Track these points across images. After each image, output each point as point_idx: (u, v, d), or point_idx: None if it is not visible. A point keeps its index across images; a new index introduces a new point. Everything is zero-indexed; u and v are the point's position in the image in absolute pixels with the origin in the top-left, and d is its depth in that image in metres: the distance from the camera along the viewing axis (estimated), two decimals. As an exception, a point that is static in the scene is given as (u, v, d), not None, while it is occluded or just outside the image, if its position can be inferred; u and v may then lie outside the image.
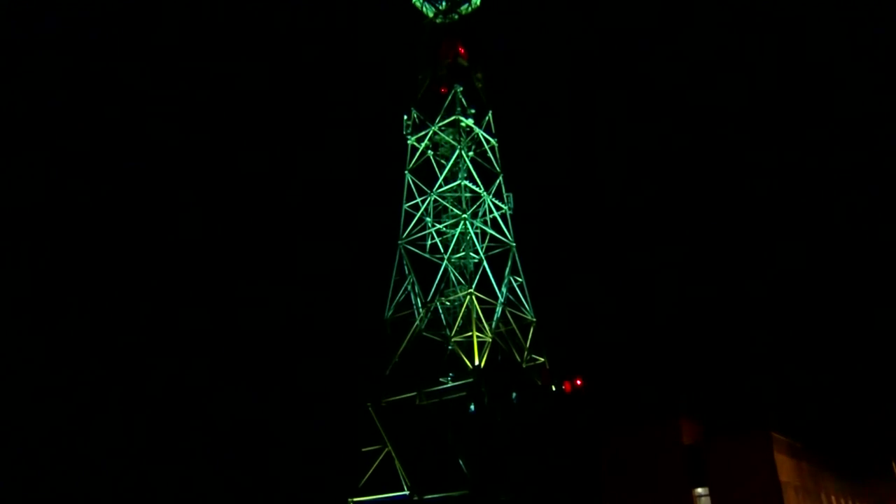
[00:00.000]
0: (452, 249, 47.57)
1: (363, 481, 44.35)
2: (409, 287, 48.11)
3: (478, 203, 49.74)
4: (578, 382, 41.80)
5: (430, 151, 51.45)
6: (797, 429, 36.17)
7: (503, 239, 49.96)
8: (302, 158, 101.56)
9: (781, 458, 32.21)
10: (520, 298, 48.84)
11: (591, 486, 35.46)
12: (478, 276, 46.88)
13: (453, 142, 50.26)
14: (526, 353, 47.22)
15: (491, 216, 50.17)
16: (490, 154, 52.05)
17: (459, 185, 49.22)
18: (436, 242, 49.18)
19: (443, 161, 50.68)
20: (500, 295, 47.59)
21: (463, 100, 51.55)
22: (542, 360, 47.57)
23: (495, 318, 46.83)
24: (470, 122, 51.23)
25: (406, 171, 51.35)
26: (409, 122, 52.31)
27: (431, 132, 50.89)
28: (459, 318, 44.86)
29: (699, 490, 32.63)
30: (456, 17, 54.87)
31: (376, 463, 44.19)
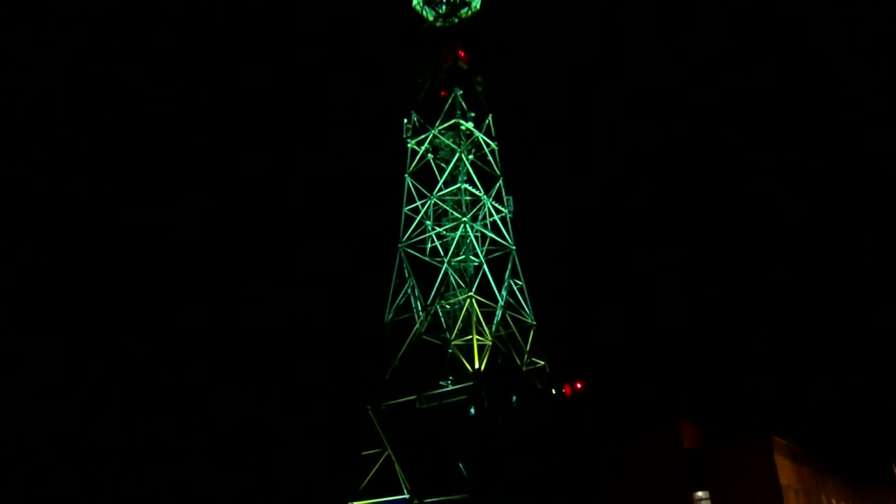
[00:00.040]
0: (452, 253, 47.56)
1: (363, 485, 44.31)
2: (409, 290, 48.10)
3: (478, 206, 49.74)
4: (579, 386, 41.73)
5: (430, 155, 51.48)
6: (797, 432, 36.11)
7: (503, 242, 49.96)
8: (302, 159, 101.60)
9: (782, 461, 32.18)
10: (520, 302, 48.83)
11: (592, 490, 35.41)
12: (478, 280, 46.86)
13: (453, 145, 50.29)
14: (526, 356, 47.18)
15: (491, 219, 50.18)
16: (490, 157, 52.07)
17: (459, 188, 49.23)
18: (436, 246, 49.18)
19: (443, 164, 50.72)
20: (500, 298, 47.58)
21: (463, 103, 51.60)
22: (543, 363, 47.54)
23: (495, 322, 46.81)
24: (470, 125, 51.27)
25: (406, 175, 51.36)
26: (410, 126, 52.36)
27: (431, 135, 50.93)
28: (459, 322, 44.83)
29: (699, 494, 32.60)
30: (456, 20, 54.94)
31: (376, 466, 44.16)
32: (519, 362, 46.85)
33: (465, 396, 42.01)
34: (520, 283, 49.23)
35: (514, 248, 49.87)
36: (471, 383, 42.00)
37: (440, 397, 43.12)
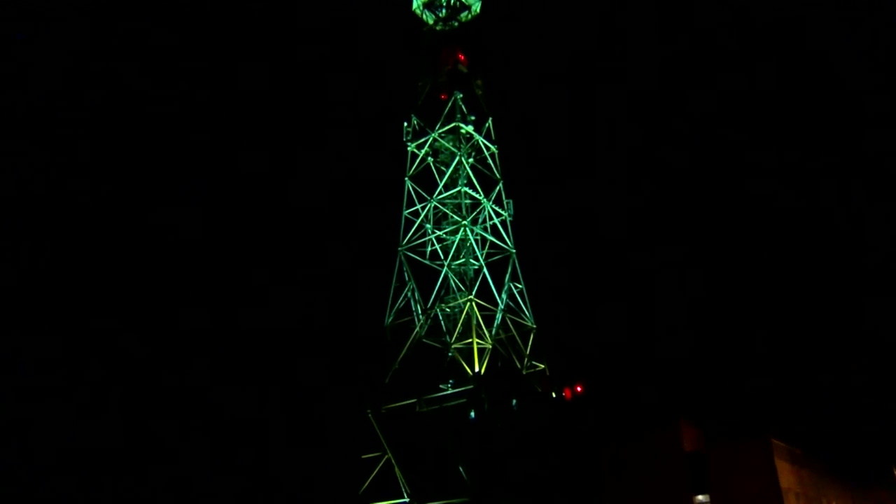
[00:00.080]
0: (452, 256, 47.59)
1: (363, 488, 44.26)
2: (409, 294, 48.14)
3: (478, 210, 49.78)
4: (579, 389, 41.69)
5: (430, 158, 51.56)
6: (797, 434, 36.07)
7: (503, 245, 49.99)
8: (302, 160, 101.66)
9: (782, 464, 32.14)
10: (520, 305, 48.85)
11: (591, 494, 35.37)
12: (478, 283, 46.90)
13: (453, 148, 50.37)
14: (526, 359, 47.18)
15: (491, 223, 50.23)
16: (490, 161, 52.14)
17: (459, 191, 49.29)
18: (436, 249, 49.23)
19: (443, 168, 50.78)
20: (500, 301, 47.60)
21: (463, 106, 51.69)
22: (543, 366, 47.54)
23: (495, 325, 46.83)
24: (470, 128, 51.35)
25: (406, 178, 51.42)
26: (409, 129, 52.41)
27: (431, 139, 51.00)
28: (459, 325, 44.85)
29: (700, 497, 32.55)
30: (456, 24, 55.07)
31: (376, 470, 44.12)
32: (519, 366, 46.85)
33: (465, 400, 42.00)
34: (520, 286, 49.26)
35: (514, 251, 49.91)
36: (471, 387, 41.98)
37: (440, 401, 43.12)
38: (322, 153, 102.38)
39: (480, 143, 51.91)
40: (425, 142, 51.33)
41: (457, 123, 50.43)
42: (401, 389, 45.03)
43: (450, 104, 51.26)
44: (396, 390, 45.22)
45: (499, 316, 47.24)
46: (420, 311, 47.21)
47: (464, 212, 48.77)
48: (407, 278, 48.56)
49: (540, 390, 44.91)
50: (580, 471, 36.94)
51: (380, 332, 47.99)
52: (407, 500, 41.85)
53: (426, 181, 51.35)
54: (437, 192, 49.61)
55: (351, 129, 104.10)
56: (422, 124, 52.26)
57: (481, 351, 43.60)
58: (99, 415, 65.60)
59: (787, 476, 32.15)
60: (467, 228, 48.09)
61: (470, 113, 52.04)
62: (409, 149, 52.11)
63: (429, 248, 49.49)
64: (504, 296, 48.07)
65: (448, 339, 44.79)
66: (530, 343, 47.86)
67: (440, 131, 50.81)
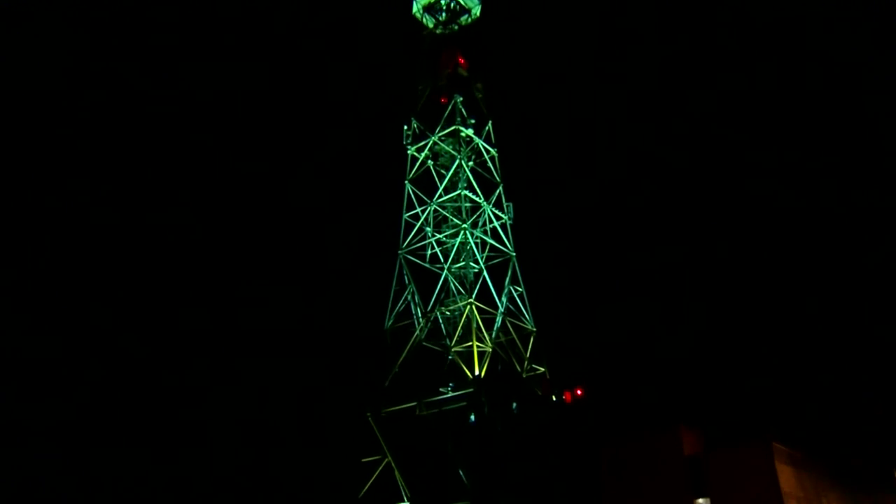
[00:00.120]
0: (452, 259, 47.61)
1: (363, 492, 44.22)
2: (409, 297, 48.17)
3: (478, 213, 49.81)
4: (579, 392, 41.68)
5: (430, 161, 51.60)
6: (798, 437, 36.03)
7: (503, 249, 50.01)
8: (301, 162, 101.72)
9: (783, 468, 32.09)
10: (520, 308, 48.87)
11: (591, 497, 35.33)
12: (478, 286, 46.92)
13: (453, 152, 50.41)
14: (526, 362, 47.18)
15: (491, 226, 50.24)
16: (490, 164, 52.19)
17: (459, 194, 49.34)
18: (436, 252, 49.23)
19: (443, 171, 50.82)
20: (500, 305, 47.62)
21: (463, 110, 51.76)
22: (543, 369, 47.53)
23: (495, 328, 46.84)
24: (470, 132, 51.39)
25: (406, 181, 51.46)
26: (409, 132, 52.46)
27: (431, 142, 51.04)
28: (459, 328, 44.86)
29: (700, 501, 32.49)
30: (456, 27, 55.13)
31: (376, 474, 44.10)
32: (519, 369, 46.85)
33: (465, 403, 41.98)
34: (520, 289, 49.28)
35: (514, 254, 49.93)
36: (471, 390, 41.98)
37: (440, 404, 43.10)
38: (322, 156, 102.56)
39: (480, 146, 51.96)
40: (425, 145, 51.38)
41: (457, 127, 50.48)
42: (401, 392, 45.03)
43: (450, 107, 51.31)
44: (396, 393, 45.21)
45: (499, 319, 47.25)
46: (420, 315, 47.21)
47: (464, 215, 48.81)
48: (407, 281, 48.58)
49: (540, 393, 44.90)
50: (580, 474, 36.90)
51: (380, 335, 48.01)
52: (407, 503, 41.80)
53: (426, 184, 51.46)
54: (437, 196, 49.65)
55: (351, 131, 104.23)
56: (422, 128, 52.31)
57: (481, 354, 43.60)
58: (98, 415, 65.58)
59: (787, 480, 32.11)
60: (467, 232, 48.11)
61: (470, 116, 52.11)
62: (409, 152, 52.16)
63: (429, 252, 49.52)
64: (504, 299, 48.10)
65: (448, 343, 44.80)
66: (530, 346, 47.86)
67: (440, 135, 50.86)
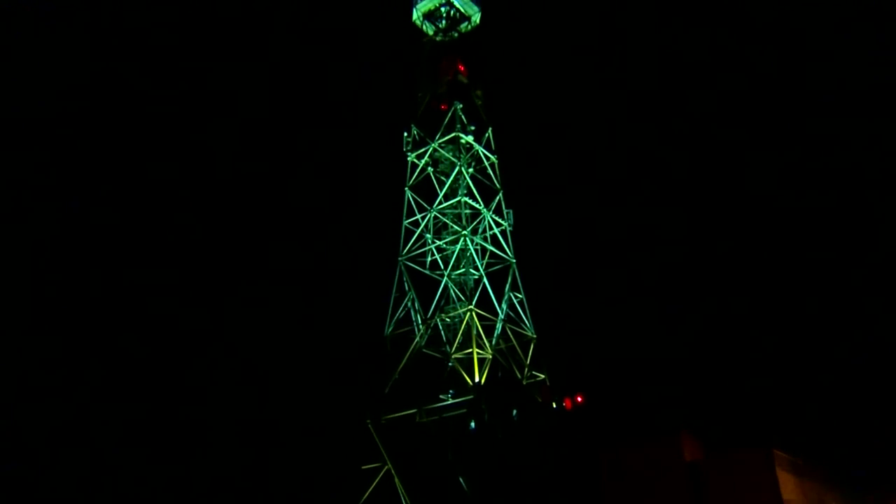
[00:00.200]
0: (452, 266, 47.58)
1: (363, 499, 44.05)
2: (409, 303, 48.12)
3: (478, 219, 49.79)
4: (579, 399, 41.59)
5: (429, 168, 51.64)
6: (799, 444, 35.94)
7: (503, 255, 49.99)
8: (301, 164, 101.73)
9: (784, 475, 31.99)
10: (520, 315, 48.77)
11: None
12: (478, 293, 46.85)
13: (453, 158, 50.46)
14: (526, 369, 47.06)
15: (491, 232, 50.24)
16: (490, 170, 52.22)
17: (459, 201, 49.35)
18: (436, 259, 49.22)
19: (443, 177, 50.86)
20: (500, 311, 47.55)
21: (463, 117, 51.84)
22: (543, 376, 47.41)
23: (495, 335, 46.76)
24: (470, 138, 51.46)
25: (406, 188, 51.50)
26: (409, 139, 52.55)
27: (431, 149, 51.11)
28: (460, 335, 44.78)
29: (701, 508, 32.40)
30: (456, 35, 55.25)
31: (376, 481, 43.94)
32: (519, 376, 46.73)
33: (465, 410, 41.89)
34: (520, 296, 49.21)
35: (514, 261, 49.89)
36: (471, 397, 41.90)
37: (440, 411, 43.01)
38: (321, 159, 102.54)
39: (480, 153, 52.01)
40: (425, 152, 51.43)
41: (457, 133, 50.55)
42: (401, 400, 44.93)
43: (449, 114, 51.39)
44: (396, 400, 45.12)
45: (499, 326, 47.18)
46: (420, 321, 47.16)
47: (464, 222, 48.80)
48: (407, 288, 48.56)
49: (540, 400, 44.78)
50: (580, 481, 36.80)
51: (380, 341, 47.94)
52: (407, 511, 41.67)
53: (426, 191, 51.48)
54: (437, 202, 49.67)
55: (350, 137, 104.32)
56: (422, 134, 52.39)
57: (481, 361, 43.52)
58: (97, 415, 65.44)
59: (789, 487, 32.00)
60: (467, 238, 48.10)
61: (470, 123, 52.18)
62: (408, 159, 52.23)
63: (429, 258, 49.49)
64: (504, 306, 48.03)
65: (448, 349, 44.72)
66: (530, 353, 47.75)
67: (440, 141, 50.93)
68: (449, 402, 42.91)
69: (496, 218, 50.64)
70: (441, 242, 49.18)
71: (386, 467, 43.70)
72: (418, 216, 50.54)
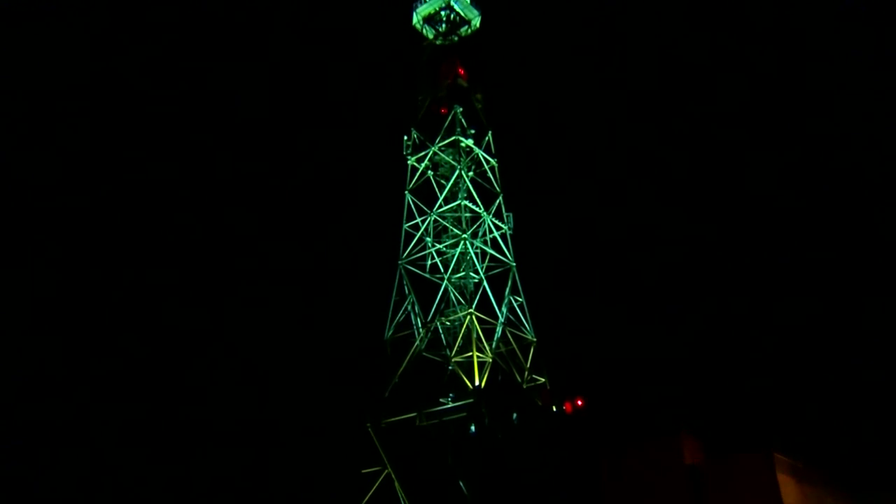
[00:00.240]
0: (452, 269, 47.61)
1: (363, 503, 44.02)
2: (409, 307, 48.14)
3: (478, 223, 49.85)
4: (579, 402, 41.59)
5: (430, 171, 51.73)
6: (800, 447, 35.88)
7: (503, 259, 50.02)
8: (300, 167, 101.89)
9: (784, 478, 31.96)
10: (520, 318, 48.80)
11: (592, 507, 35.21)
12: (478, 296, 46.92)
13: (453, 162, 50.53)
14: (526, 373, 47.06)
15: (491, 236, 50.29)
16: (490, 174, 52.30)
17: (459, 205, 49.40)
18: (436, 262, 49.25)
19: (443, 181, 50.93)
20: (500, 315, 47.56)
21: (463, 120, 51.91)
22: (543, 380, 47.41)
23: (496, 338, 46.74)
24: (470, 142, 51.53)
25: (406, 192, 51.57)
26: (409, 143, 52.62)
27: (431, 152, 51.18)
28: (460, 339, 44.80)
29: (701, 511, 32.37)
30: (456, 38, 55.39)
31: (376, 485, 43.90)
32: (519, 379, 46.73)
33: (465, 414, 41.86)
34: (520, 299, 49.24)
35: (514, 264, 49.93)
36: (471, 400, 41.87)
37: (440, 415, 42.97)
38: (322, 158, 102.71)
39: (480, 156, 52.09)
40: (425, 155, 51.52)
41: (457, 137, 50.63)
42: (401, 403, 44.90)
43: (450, 118, 51.48)
44: (396, 404, 45.09)
45: (499, 329, 47.17)
46: (420, 325, 47.17)
47: (464, 225, 48.85)
48: (407, 292, 48.58)
49: (540, 404, 44.78)
50: (581, 484, 36.76)
51: (380, 345, 47.94)
52: (407, 514, 41.63)
53: (426, 194, 51.56)
54: (437, 206, 49.73)
55: (351, 138, 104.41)
56: (422, 138, 52.47)
57: (481, 364, 43.51)
58: (97, 416, 65.44)
59: (789, 491, 31.96)
60: (467, 242, 48.13)
61: (470, 127, 52.26)
62: (409, 162, 52.30)
63: (429, 262, 49.53)
64: (504, 309, 48.04)
65: (448, 353, 44.72)
66: (531, 356, 47.76)
67: (440, 145, 51.01)
68: (449, 406, 42.87)
69: (496, 221, 50.70)
70: (441, 246, 49.23)
71: (386, 471, 43.67)
72: (418, 220, 50.60)
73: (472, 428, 41.52)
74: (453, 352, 44.37)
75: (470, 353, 43.68)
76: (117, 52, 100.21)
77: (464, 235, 48.01)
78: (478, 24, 55.79)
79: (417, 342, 46.44)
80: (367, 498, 43.91)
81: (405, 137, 52.86)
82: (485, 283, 47.64)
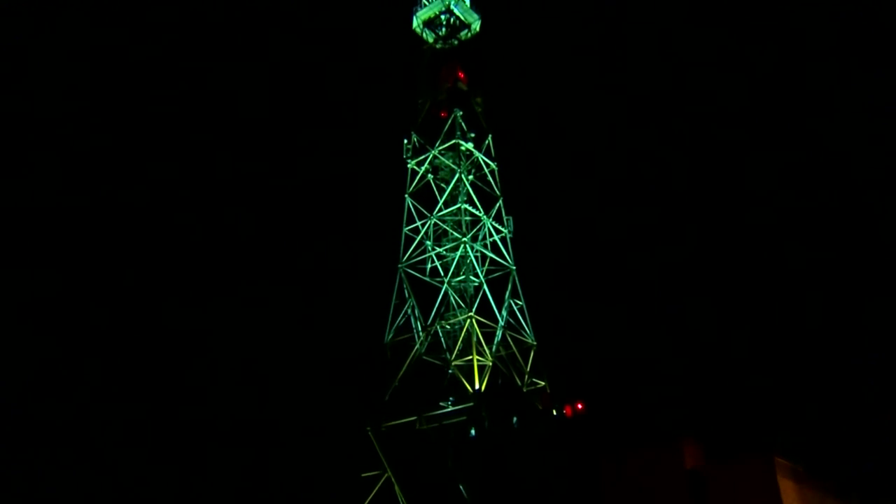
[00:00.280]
0: (452, 273, 47.60)
1: (363, 507, 43.97)
2: (409, 311, 48.10)
3: (478, 226, 49.86)
4: (579, 406, 41.53)
5: (430, 175, 51.72)
6: (801, 451, 35.79)
7: (503, 262, 50.00)
8: (300, 169, 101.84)
9: (785, 482, 31.88)
10: (520, 322, 48.77)
11: (592, 511, 35.13)
12: (478, 300, 46.88)
13: (453, 165, 50.52)
14: (526, 376, 47.02)
15: (491, 239, 50.27)
16: (490, 177, 52.29)
17: (459, 208, 49.39)
18: (436, 266, 49.21)
19: (443, 185, 50.93)
20: (500, 318, 47.52)
21: (463, 124, 51.91)
22: (543, 383, 47.35)
23: (496, 342, 46.70)
24: (470, 145, 51.54)
25: (406, 195, 51.57)
26: (409, 146, 52.65)
27: (431, 156, 51.19)
28: (460, 342, 44.75)
29: (701, 516, 32.29)
30: (456, 42, 55.41)
31: (376, 488, 43.82)
32: (519, 383, 46.69)
33: (465, 417, 41.81)
34: (520, 303, 49.19)
35: (514, 268, 49.90)
36: (471, 404, 41.84)
37: (440, 418, 42.94)
38: (322, 159, 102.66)
39: (480, 160, 52.09)
40: (425, 159, 51.52)
41: (457, 140, 50.63)
42: (401, 407, 44.85)
43: (449, 121, 51.49)
44: (396, 408, 45.04)
45: (499, 333, 47.13)
46: (420, 328, 47.13)
47: (464, 229, 48.84)
48: (407, 295, 48.54)
49: (540, 407, 44.71)
50: (581, 488, 36.68)
51: (380, 349, 47.90)
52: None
53: (426, 198, 51.52)
54: (437, 209, 49.73)
55: (351, 139, 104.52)
56: (422, 141, 52.49)
57: (481, 368, 43.48)
58: (96, 416, 65.35)
59: (790, 495, 31.88)
60: (467, 245, 48.12)
61: (470, 130, 52.26)
62: (409, 166, 52.31)
63: (429, 265, 49.49)
64: (504, 313, 48.00)
65: (448, 356, 44.68)
66: (531, 360, 47.71)
67: (440, 148, 51.00)
68: (449, 410, 42.84)
69: (496, 225, 50.69)
70: (441, 249, 49.21)
71: (386, 475, 43.59)
72: (418, 223, 50.59)
73: (473, 431, 41.47)
74: (453, 355, 44.32)
75: (470, 357, 43.65)
76: (117, 52, 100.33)
77: (464, 239, 48.00)
78: (478, 28, 55.82)
79: (417, 346, 46.40)
80: (366, 502, 43.81)
81: (405, 141, 52.90)
82: (485, 287, 47.61)
